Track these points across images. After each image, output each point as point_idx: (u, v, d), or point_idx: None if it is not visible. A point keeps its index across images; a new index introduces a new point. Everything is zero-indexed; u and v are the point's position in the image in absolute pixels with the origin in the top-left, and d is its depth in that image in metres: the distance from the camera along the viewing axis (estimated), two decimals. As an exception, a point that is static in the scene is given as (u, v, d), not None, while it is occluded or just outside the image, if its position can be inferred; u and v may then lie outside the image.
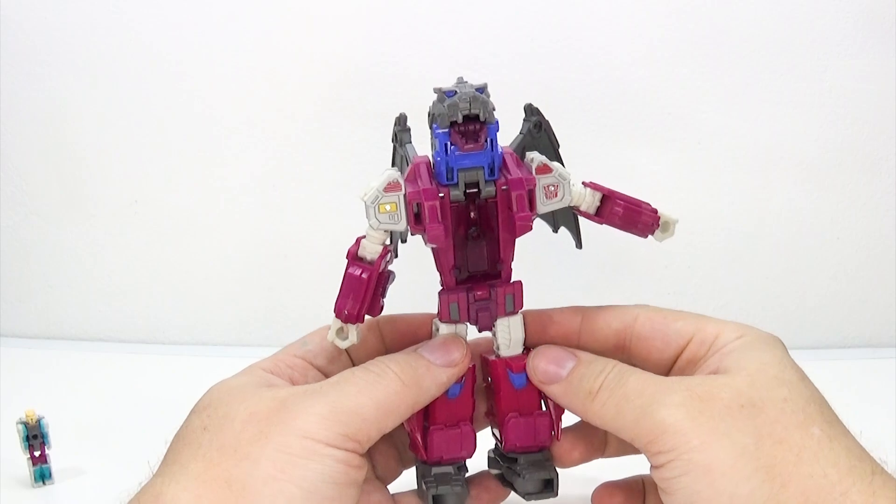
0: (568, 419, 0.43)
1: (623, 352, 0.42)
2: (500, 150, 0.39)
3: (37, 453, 0.56)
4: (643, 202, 0.41)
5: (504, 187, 0.39)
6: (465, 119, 0.37)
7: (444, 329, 0.42)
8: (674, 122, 0.74)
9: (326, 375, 0.42)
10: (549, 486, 0.42)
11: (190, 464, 0.36)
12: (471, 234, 0.40)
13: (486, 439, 0.44)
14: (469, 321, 0.41)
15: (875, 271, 0.77)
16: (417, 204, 0.38)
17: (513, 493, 0.44)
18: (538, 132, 0.42)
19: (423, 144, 0.42)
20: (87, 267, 0.82)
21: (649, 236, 0.42)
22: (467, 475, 0.43)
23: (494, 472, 0.45)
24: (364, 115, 0.74)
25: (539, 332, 0.43)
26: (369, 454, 0.39)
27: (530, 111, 0.42)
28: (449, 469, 0.42)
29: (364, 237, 0.40)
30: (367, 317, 0.41)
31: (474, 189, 0.39)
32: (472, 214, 0.40)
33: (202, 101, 0.77)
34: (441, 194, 0.38)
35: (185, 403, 0.40)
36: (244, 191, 0.79)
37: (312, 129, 0.76)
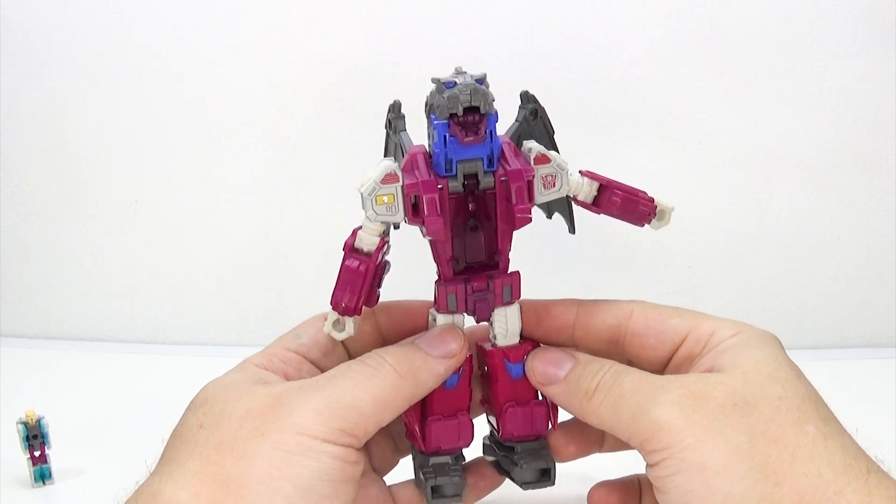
0: (564, 411, 0.43)
1: (617, 347, 0.42)
2: (498, 140, 0.38)
3: (37, 453, 0.56)
4: (640, 191, 0.41)
5: (503, 178, 0.38)
6: (464, 111, 0.37)
7: (441, 319, 0.41)
8: (674, 122, 0.74)
9: (321, 369, 0.42)
10: (547, 476, 0.42)
11: (187, 462, 0.35)
12: (469, 225, 0.40)
13: (481, 426, 0.44)
14: (467, 312, 0.41)
15: (875, 271, 0.77)
16: (416, 196, 0.38)
17: (508, 480, 0.44)
18: (534, 119, 0.42)
19: (416, 132, 0.41)
20: (87, 267, 0.82)
21: (645, 225, 0.42)
22: (463, 463, 0.43)
23: (489, 458, 0.45)
24: (364, 115, 0.74)
25: (534, 324, 0.43)
26: (365, 446, 0.38)
27: (526, 98, 0.42)
28: (446, 459, 0.42)
29: (360, 228, 0.40)
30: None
31: (473, 180, 0.38)
32: (471, 206, 0.39)
33: (202, 101, 0.77)
34: (440, 186, 0.38)
35: (184, 403, 0.40)
36: (244, 191, 0.79)
37: (312, 129, 0.76)
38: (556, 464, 0.43)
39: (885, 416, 0.62)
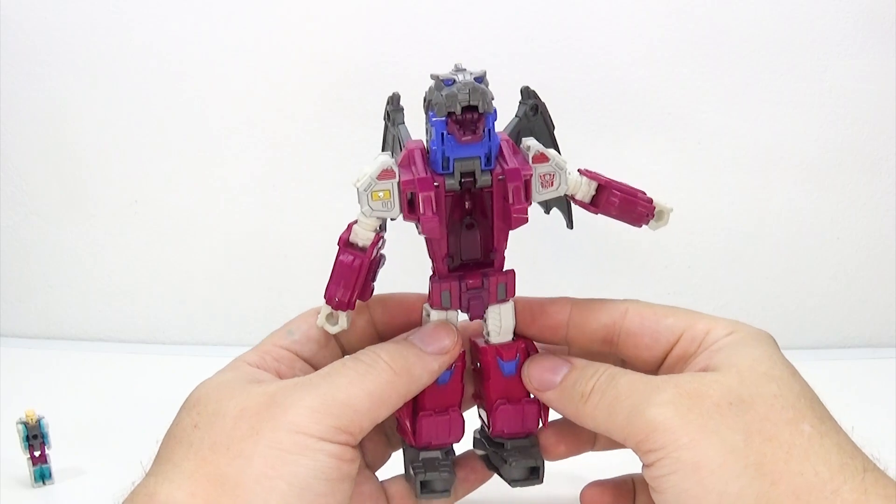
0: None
1: (611, 346, 0.42)
2: (497, 138, 0.38)
3: (37, 453, 0.56)
4: (639, 191, 0.41)
5: (500, 177, 0.38)
6: (463, 109, 0.37)
7: (435, 315, 0.41)
8: (674, 122, 0.74)
9: (314, 366, 0.42)
10: (536, 474, 0.42)
11: (183, 462, 0.35)
12: (465, 223, 0.40)
13: (472, 419, 0.44)
14: (461, 309, 0.41)
15: (875, 271, 0.77)
16: (412, 192, 0.38)
17: (498, 478, 0.44)
18: (534, 115, 0.42)
19: (415, 126, 0.41)
20: (87, 267, 0.82)
21: (644, 226, 0.42)
22: (453, 457, 0.43)
23: (479, 452, 0.45)
24: (364, 115, 0.74)
25: (528, 322, 0.43)
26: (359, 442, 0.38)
27: (527, 94, 0.42)
28: (437, 454, 0.42)
29: (356, 223, 0.39)
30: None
31: (469, 178, 0.38)
32: (467, 204, 0.39)
33: (202, 101, 0.77)
34: (436, 183, 0.38)
35: (184, 404, 0.40)
36: (244, 191, 0.79)
37: (312, 129, 0.76)
38: (547, 462, 0.43)
39: (885, 417, 0.62)
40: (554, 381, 0.40)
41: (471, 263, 0.41)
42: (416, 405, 0.41)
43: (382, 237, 0.40)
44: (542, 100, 0.42)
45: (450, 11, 0.72)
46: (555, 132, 0.43)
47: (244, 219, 0.79)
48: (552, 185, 0.40)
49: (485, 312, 0.41)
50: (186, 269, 0.81)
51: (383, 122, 0.43)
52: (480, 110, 0.37)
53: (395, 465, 0.45)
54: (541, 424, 0.43)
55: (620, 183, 0.41)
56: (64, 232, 0.81)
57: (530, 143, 0.40)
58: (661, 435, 0.35)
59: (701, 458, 0.34)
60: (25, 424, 0.55)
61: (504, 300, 0.41)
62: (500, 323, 0.41)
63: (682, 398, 0.36)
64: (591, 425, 0.39)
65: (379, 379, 0.38)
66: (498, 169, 0.38)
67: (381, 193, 0.38)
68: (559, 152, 0.40)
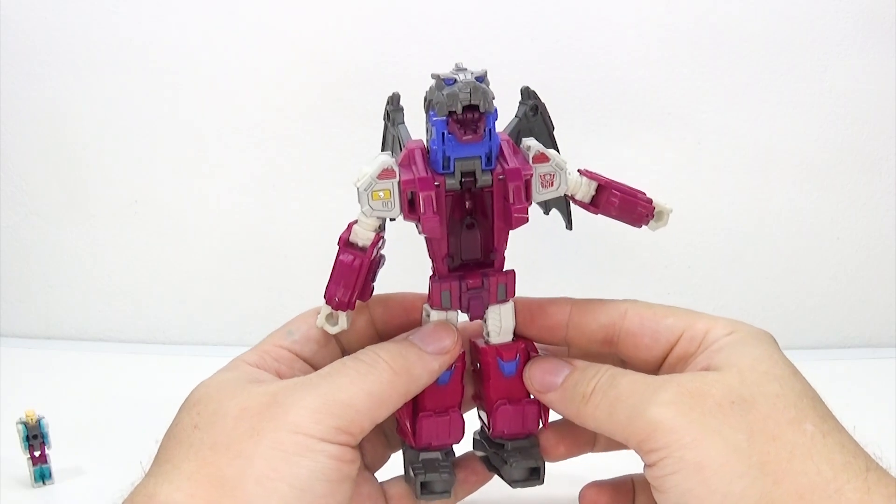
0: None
1: (611, 346, 0.42)
2: (497, 138, 0.38)
3: (37, 453, 0.56)
4: (638, 191, 0.41)
5: (501, 177, 0.38)
6: (463, 109, 0.37)
7: (435, 316, 0.41)
8: (674, 122, 0.74)
9: (313, 366, 0.41)
10: (536, 474, 0.42)
11: (183, 463, 0.35)
12: (465, 223, 0.40)
13: (472, 421, 0.44)
14: (461, 309, 0.41)
15: (875, 271, 0.77)
16: (412, 192, 0.38)
17: (498, 479, 0.44)
18: (534, 116, 0.42)
19: (415, 125, 0.41)
20: (87, 267, 0.82)
21: (643, 226, 0.42)
22: (453, 459, 0.43)
23: (479, 454, 0.45)
24: (364, 114, 0.74)
25: (528, 322, 0.42)
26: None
27: (527, 94, 0.42)
28: (437, 455, 0.42)
29: (356, 222, 0.39)
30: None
31: (470, 178, 0.38)
32: (467, 203, 0.39)
33: (202, 101, 0.77)
34: (437, 183, 0.38)
35: (185, 404, 0.39)
36: (244, 191, 0.79)
37: (312, 129, 0.76)
38: (547, 463, 0.43)
39: (885, 417, 0.62)
40: (555, 383, 0.40)
41: (471, 263, 0.41)
42: (415, 406, 0.41)
43: (382, 237, 0.40)
44: (542, 100, 0.42)
45: (450, 11, 0.72)
46: (554, 132, 0.43)
47: (244, 219, 0.79)
48: (552, 185, 0.39)
49: (485, 313, 0.41)
50: (186, 269, 0.81)
51: (383, 122, 0.43)
52: (482, 109, 0.37)
53: (394, 466, 0.45)
54: (541, 425, 0.43)
55: (620, 183, 0.41)
56: (64, 232, 0.81)
57: (530, 143, 0.39)
58: (663, 435, 0.35)
59: (704, 457, 0.34)
60: (25, 424, 0.55)
61: (504, 301, 0.41)
62: (500, 323, 0.41)
63: (684, 397, 0.36)
64: (593, 426, 0.39)
65: (379, 379, 0.37)
66: (498, 169, 0.38)
67: (381, 193, 0.38)
68: (558, 152, 0.40)
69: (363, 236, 0.39)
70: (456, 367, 0.41)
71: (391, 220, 0.40)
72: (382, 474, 0.45)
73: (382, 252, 0.41)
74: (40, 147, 0.79)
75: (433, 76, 0.38)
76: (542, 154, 0.39)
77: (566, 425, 0.43)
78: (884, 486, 0.33)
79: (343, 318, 0.41)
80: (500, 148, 0.39)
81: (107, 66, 0.76)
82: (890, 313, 0.78)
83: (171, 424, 0.38)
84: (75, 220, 0.81)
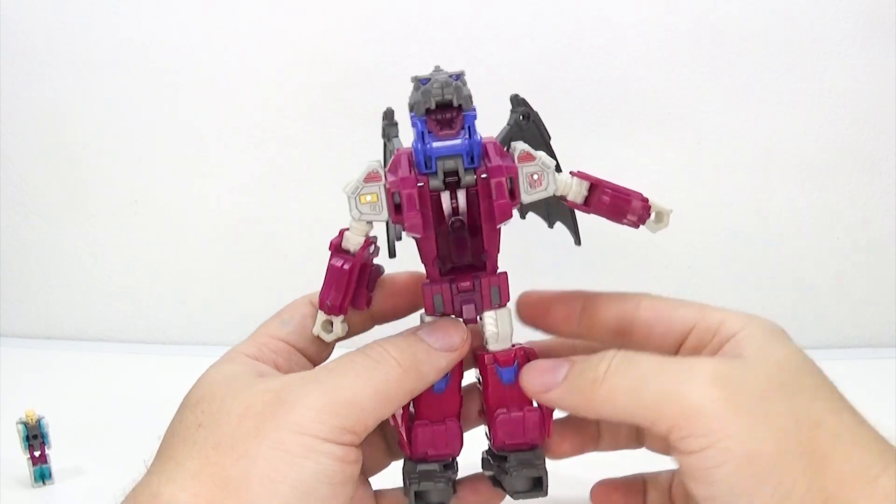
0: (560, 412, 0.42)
1: (623, 338, 0.41)
2: (478, 137, 0.38)
3: (37, 453, 0.56)
4: (633, 191, 0.40)
5: (483, 175, 0.38)
6: (439, 106, 0.37)
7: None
8: (674, 122, 0.74)
9: (309, 358, 0.41)
10: (539, 485, 0.41)
11: (187, 462, 0.35)
12: (453, 223, 0.39)
13: (480, 441, 0.43)
14: (454, 313, 0.40)
15: (875, 271, 0.77)
16: (398, 193, 0.38)
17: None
18: (526, 123, 0.41)
19: (410, 136, 0.41)
20: (87, 267, 0.82)
21: (642, 227, 0.42)
22: (460, 477, 0.42)
23: (488, 473, 0.43)
24: (364, 115, 0.73)
25: (540, 314, 0.42)
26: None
27: (516, 102, 0.42)
28: (434, 466, 0.41)
29: (348, 229, 0.39)
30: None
31: (454, 178, 0.38)
32: (453, 203, 0.39)
33: (202, 101, 0.77)
34: (420, 183, 0.38)
35: (184, 404, 0.39)
36: (244, 191, 0.79)
37: (312, 129, 0.76)
38: (553, 460, 0.42)
39: (885, 417, 0.62)
40: (556, 381, 0.38)
41: (463, 267, 0.40)
42: (411, 415, 0.41)
43: (373, 243, 0.40)
44: (534, 108, 0.42)
45: (450, 11, 0.73)
46: (551, 141, 0.42)
47: (244, 219, 0.79)
48: (540, 184, 0.39)
49: (480, 318, 0.41)
50: (186, 269, 0.81)
51: (382, 140, 0.43)
52: (455, 104, 0.37)
53: (394, 478, 0.44)
54: (545, 435, 0.41)
55: (613, 183, 0.40)
56: (64, 232, 0.81)
57: (517, 144, 0.39)
58: (705, 421, 0.33)
59: (754, 448, 0.33)
60: (25, 424, 0.55)
61: (500, 305, 0.41)
62: (497, 329, 0.41)
63: (725, 381, 0.34)
64: (609, 410, 0.37)
65: (387, 376, 0.37)
66: (482, 167, 0.38)
67: (368, 197, 0.38)
68: (556, 160, 0.40)
69: (354, 241, 0.39)
70: (453, 375, 0.40)
71: (398, 239, 0.40)
72: (382, 483, 0.44)
73: (379, 263, 0.41)
74: (40, 147, 0.79)
75: (412, 79, 0.38)
76: (528, 153, 0.39)
77: (570, 422, 0.43)
78: None
79: (339, 325, 0.40)
80: (486, 149, 0.38)
81: (107, 66, 0.76)
82: (890, 313, 0.78)
83: (175, 421, 0.38)
84: (75, 220, 0.81)
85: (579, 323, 0.42)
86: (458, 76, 0.37)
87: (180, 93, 0.77)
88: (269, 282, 0.80)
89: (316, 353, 0.41)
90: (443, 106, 0.37)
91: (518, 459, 0.41)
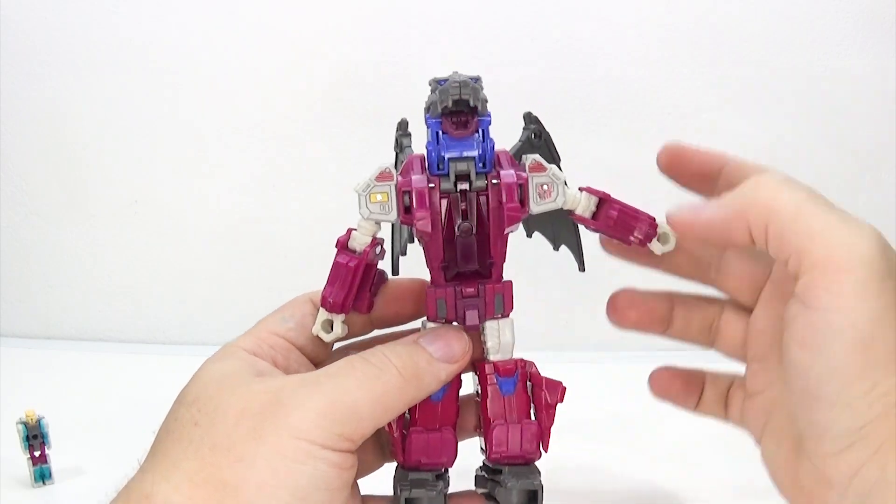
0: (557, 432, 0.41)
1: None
2: (492, 142, 0.38)
3: (37, 453, 0.56)
4: (642, 211, 0.41)
5: (495, 181, 0.38)
6: (456, 105, 0.37)
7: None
8: (674, 122, 0.74)
9: (308, 356, 0.41)
10: (534, 499, 0.40)
11: (182, 462, 0.34)
12: (461, 228, 0.40)
13: (474, 456, 0.43)
14: (456, 319, 0.40)
15: (875, 271, 0.77)
16: (408, 194, 0.38)
17: None
18: (538, 141, 0.42)
19: (419, 138, 0.41)
20: (87, 267, 0.82)
21: (648, 247, 0.42)
22: (451, 492, 0.42)
23: (481, 491, 0.43)
24: (364, 115, 0.74)
25: (681, 166, 0.43)
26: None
27: (529, 119, 0.42)
28: (427, 475, 0.40)
29: (356, 229, 0.40)
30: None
31: (465, 182, 0.38)
32: (463, 206, 0.39)
33: (202, 102, 0.77)
34: (431, 185, 0.38)
35: (185, 404, 0.39)
36: (244, 191, 0.79)
37: (312, 129, 0.76)
38: (618, 328, 0.42)
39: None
40: (707, 209, 0.38)
41: (468, 274, 0.40)
42: (406, 422, 0.40)
43: (379, 243, 0.40)
44: (534, 109, 0.42)
45: (450, 11, 0.73)
46: (560, 163, 0.42)
47: (244, 219, 0.79)
48: (549, 195, 0.39)
49: (483, 327, 0.40)
50: (186, 269, 0.81)
51: (394, 151, 0.43)
52: (472, 104, 0.37)
53: (383, 485, 0.44)
54: (542, 451, 0.41)
55: (623, 202, 0.40)
56: (64, 232, 0.81)
57: (528, 155, 0.40)
58: (848, 283, 0.33)
59: (880, 333, 0.33)
60: (25, 424, 0.55)
61: (503, 315, 0.40)
62: (499, 339, 0.40)
63: (878, 257, 0.34)
64: (757, 221, 0.36)
65: (388, 385, 0.36)
66: (493, 173, 0.38)
67: (378, 196, 0.38)
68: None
69: (361, 241, 0.39)
70: (451, 384, 0.40)
71: (403, 254, 0.40)
72: (379, 488, 0.44)
73: (383, 269, 0.41)
74: (40, 147, 0.79)
75: (430, 82, 0.38)
76: (539, 164, 0.39)
77: (641, 292, 0.41)
78: None
79: (338, 326, 0.40)
80: (498, 156, 0.39)
81: (107, 66, 0.76)
82: (890, 313, 0.78)
83: (169, 417, 0.37)
84: (75, 220, 0.81)
85: (716, 184, 0.42)
86: (476, 80, 0.38)
87: (180, 93, 0.77)
88: (269, 282, 0.80)
89: (315, 352, 0.41)
90: (459, 108, 0.37)
91: (513, 472, 0.40)
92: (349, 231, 0.40)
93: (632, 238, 0.41)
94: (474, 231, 0.39)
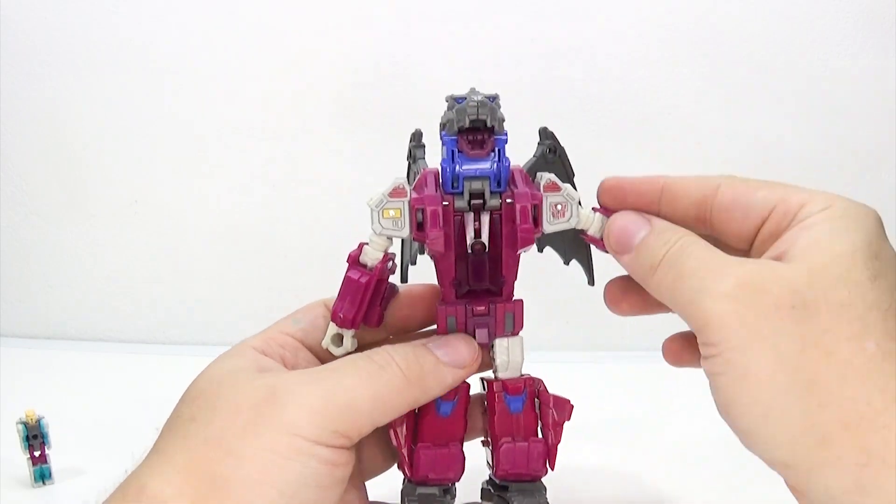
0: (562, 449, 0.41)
1: (703, 224, 0.39)
2: (507, 161, 0.38)
3: (37, 453, 0.56)
4: None
5: (509, 200, 0.38)
6: (472, 124, 0.37)
7: None
8: (674, 122, 0.74)
9: (317, 355, 0.41)
10: None
11: (175, 455, 0.34)
12: (473, 246, 0.40)
13: (481, 469, 0.43)
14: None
15: (875, 271, 0.77)
16: (421, 211, 0.38)
17: None
18: (553, 157, 0.42)
19: (437, 158, 0.41)
20: (87, 267, 0.82)
21: None
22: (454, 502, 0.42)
23: None
24: (365, 116, 0.74)
25: (619, 199, 0.40)
26: (356, 447, 0.37)
27: (545, 135, 0.42)
28: (434, 490, 0.41)
29: (367, 243, 0.39)
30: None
31: (479, 200, 0.38)
32: (476, 225, 0.39)
33: (202, 101, 0.77)
34: (445, 203, 0.38)
35: (184, 404, 0.39)
36: (244, 191, 0.79)
37: (313, 129, 0.76)
38: (616, 314, 0.42)
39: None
40: (631, 245, 0.38)
41: (479, 291, 0.40)
42: (415, 436, 0.40)
43: (391, 259, 0.40)
44: (534, 108, 0.42)
45: (450, 12, 0.72)
46: (574, 178, 0.42)
47: (244, 219, 0.79)
48: (563, 215, 0.39)
49: (492, 344, 0.41)
50: (186, 269, 0.81)
51: (407, 161, 0.43)
52: (489, 124, 0.37)
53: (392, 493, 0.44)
54: (548, 468, 0.41)
55: None
56: (64, 232, 0.81)
57: (544, 174, 0.40)
58: (715, 331, 0.33)
59: (750, 364, 0.32)
60: (25, 424, 0.55)
61: (513, 333, 0.40)
62: (508, 357, 0.40)
63: (742, 291, 0.33)
64: (659, 299, 0.37)
65: (389, 384, 0.36)
66: (507, 192, 0.38)
67: (391, 211, 0.38)
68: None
69: (372, 256, 0.39)
70: (460, 400, 0.40)
71: (412, 263, 0.40)
72: (382, 494, 0.44)
73: (394, 283, 0.41)
74: (40, 147, 0.79)
75: (447, 99, 0.38)
76: (554, 184, 0.39)
77: (632, 281, 0.41)
78: None
79: (349, 340, 0.40)
80: (513, 175, 0.39)
81: (107, 66, 0.76)
82: (890, 313, 0.78)
83: (172, 415, 0.37)
84: (75, 220, 0.81)
85: (659, 209, 0.40)
86: (494, 98, 0.38)
87: (180, 93, 0.77)
88: (269, 282, 0.80)
89: (325, 352, 0.41)
90: (475, 125, 0.37)
91: (519, 489, 0.41)
92: (361, 245, 0.40)
93: None
94: (487, 249, 0.39)
